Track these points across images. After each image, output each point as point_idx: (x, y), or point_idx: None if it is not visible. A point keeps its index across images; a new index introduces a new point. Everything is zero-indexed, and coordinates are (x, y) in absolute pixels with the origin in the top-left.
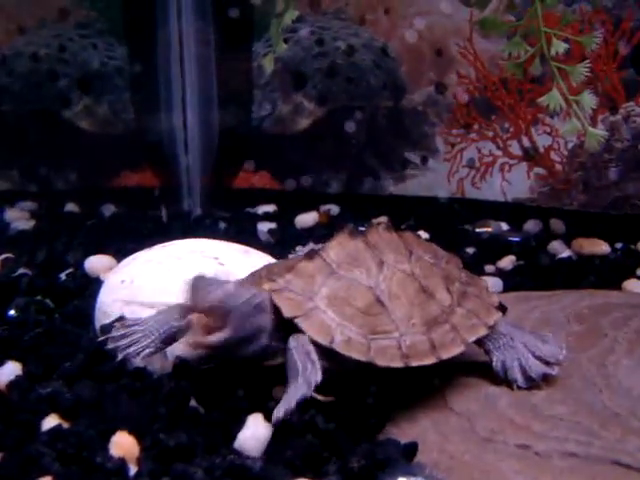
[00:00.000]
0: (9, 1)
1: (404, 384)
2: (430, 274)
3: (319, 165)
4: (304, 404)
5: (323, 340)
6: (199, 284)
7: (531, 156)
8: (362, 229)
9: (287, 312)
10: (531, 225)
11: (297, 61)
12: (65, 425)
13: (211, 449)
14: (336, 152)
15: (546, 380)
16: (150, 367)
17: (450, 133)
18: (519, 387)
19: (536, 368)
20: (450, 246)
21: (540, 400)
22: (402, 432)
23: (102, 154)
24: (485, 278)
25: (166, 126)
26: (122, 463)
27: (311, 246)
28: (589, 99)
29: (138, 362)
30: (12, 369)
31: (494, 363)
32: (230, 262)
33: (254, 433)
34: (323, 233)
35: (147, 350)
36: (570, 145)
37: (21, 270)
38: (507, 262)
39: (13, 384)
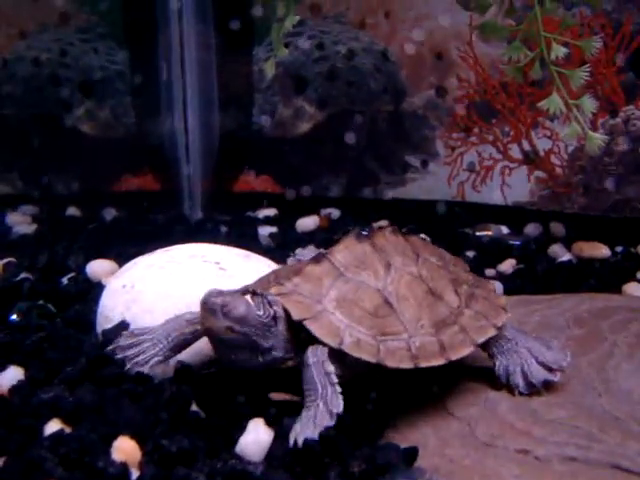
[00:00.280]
0: (10, 6)
1: (405, 389)
2: (437, 276)
3: (320, 169)
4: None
5: (332, 342)
6: (214, 303)
7: (531, 160)
8: (365, 233)
9: (296, 315)
10: (531, 228)
11: (298, 65)
12: (67, 430)
13: (212, 454)
14: (336, 156)
15: (547, 386)
16: (151, 372)
17: (450, 137)
18: (520, 393)
19: (538, 374)
20: (450, 250)
21: (540, 405)
22: (402, 437)
23: (103, 158)
24: None
25: (167, 130)
26: (124, 468)
27: (311, 248)
28: (589, 103)
29: (146, 371)
30: (14, 374)
31: (496, 367)
32: (231, 267)
33: (255, 438)
34: (324, 237)
35: (155, 359)
36: (570, 148)
37: (23, 274)
38: (507, 266)
39: (15, 389)
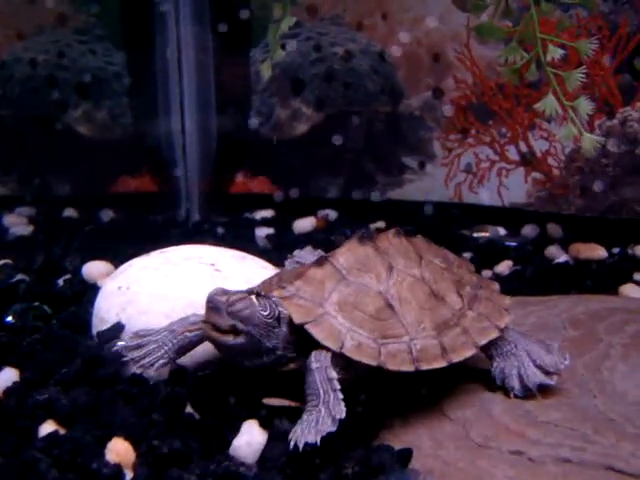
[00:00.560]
0: (7, 7)
1: (399, 389)
2: (440, 278)
3: (317, 170)
4: (296, 410)
5: (333, 345)
6: (219, 301)
7: (528, 161)
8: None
9: (297, 318)
10: (528, 230)
11: (295, 67)
12: (62, 431)
13: (206, 455)
14: (334, 157)
15: (543, 389)
16: (156, 375)
17: (447, 138)
18: (516, 395)
19: (534, 377)
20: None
21: (534, 406)
22: (396, 438)
23: (100, 159)
24: None
25: (164, 131)
26: (118, 469)
27: (308, 249)
28: (585, 104)
29: (152, 374)
30: (9, 375)
31: (493, 369)
32: (227, 268)
33: (249, 440)
34: (321, 238)
35: (160, 361)
36: (567, 150)
37: (19, 276)
38: (504, 267)
39: (10, 390)
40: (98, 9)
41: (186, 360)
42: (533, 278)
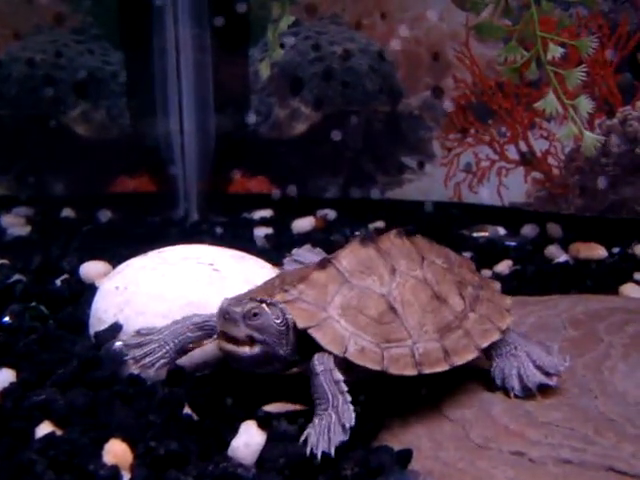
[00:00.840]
0: (5, 7)
1: (399, 390)
2: (442, 279)
3: (316, 170)
4: (295, 413)
5: (336, 350)
6: (235, 312)
7: (528, 160)
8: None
9: (301, 322)
10: (528, 229)
11: (293, 66)
12: (58, 432)
13: (204, 456)
14: (332, 157)
15: (543, 390)
16: (144, 374)
17: (447, 138)
18: (516, 395)
19: (534, 378)
20: None
21: (535, 407)
22: (396, 439)
23: (98, 159)
24: None
25: (163, 131)
26: (115, 471)
27: (307, 247)
28: (585, 103)
29: (152, 374)
30: (6, 376)
31: (492, 369)
32: (225, 268)
33: (247, 441)
34: (320, 238)
35: (161, 361)
36: (567, 149)
37: (16, 276)
38: (504, 267)
39: (7, 391)
40: (92, 6)
41: (184, 361)
42: (533, 278)
